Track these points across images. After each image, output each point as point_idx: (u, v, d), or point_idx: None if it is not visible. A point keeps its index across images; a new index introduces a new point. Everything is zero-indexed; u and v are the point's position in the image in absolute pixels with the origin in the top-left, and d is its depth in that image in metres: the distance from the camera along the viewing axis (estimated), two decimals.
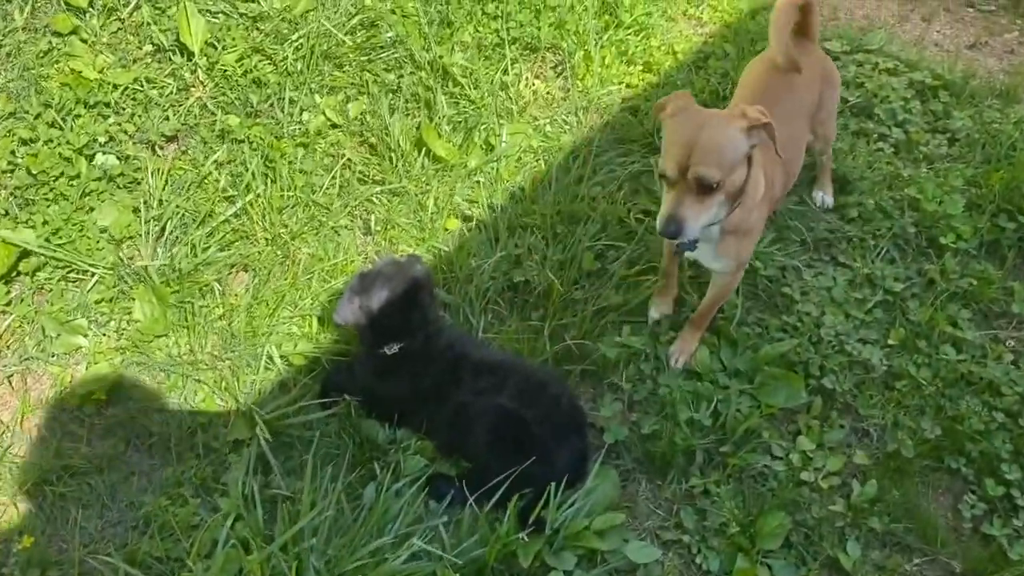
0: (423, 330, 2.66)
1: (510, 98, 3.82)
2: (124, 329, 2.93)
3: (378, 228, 3.31)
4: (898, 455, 2.76)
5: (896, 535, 2.62)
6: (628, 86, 3.98)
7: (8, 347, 2.90)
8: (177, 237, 3.17)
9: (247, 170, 3.38)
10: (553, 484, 2.47)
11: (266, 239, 3.22)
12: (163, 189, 3.29)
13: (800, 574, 2.52)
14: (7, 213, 3.20)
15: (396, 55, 3.90)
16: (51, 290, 3.03)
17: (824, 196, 3.49)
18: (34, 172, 3.31)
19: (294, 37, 3.88)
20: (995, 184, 3.40)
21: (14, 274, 3.05)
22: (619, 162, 3.57)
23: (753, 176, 2.48)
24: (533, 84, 3.95)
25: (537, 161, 3.62)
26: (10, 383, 2.84)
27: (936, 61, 4.12)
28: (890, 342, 3.04)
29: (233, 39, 3.88)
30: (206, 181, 3.40)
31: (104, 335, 2.93)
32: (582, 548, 2.49)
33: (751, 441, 2.78)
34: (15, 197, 3.26)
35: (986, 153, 3.62)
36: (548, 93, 3.95)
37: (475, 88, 3.79)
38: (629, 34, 4.13)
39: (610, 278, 3.14)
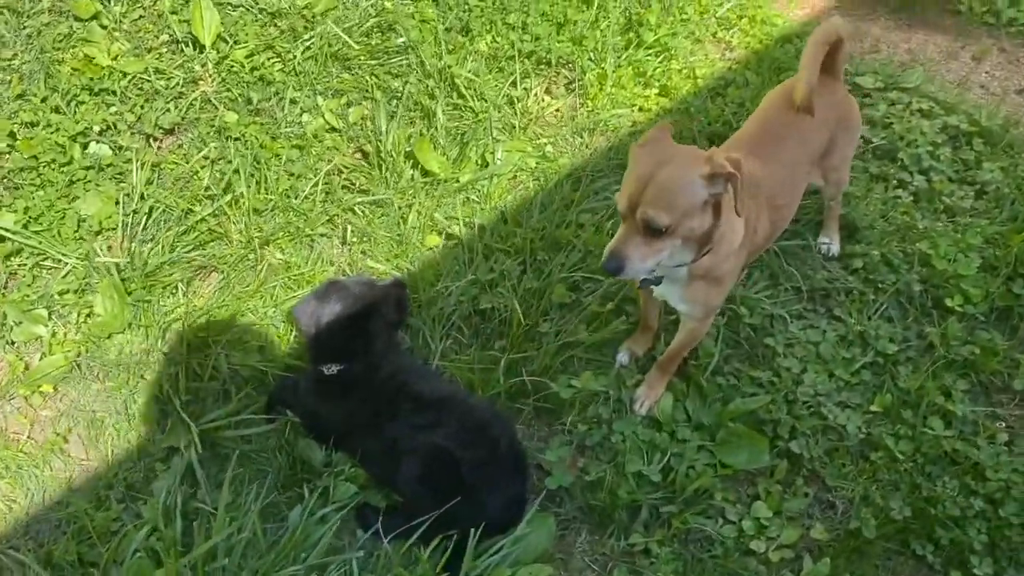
0: (365, 356, 2.58)
1: (516, 112, 3.71)
2: (83, 323, 2.93)
3: (354, 239, 3.24)
4: (859, 534, 2.56)
5: None
6: (640, 109, 3.83)
7: None
8: (153, 233, 3.16)
9: (233, 169, 3.34)
10: (474, 530, 2.36)
11: (240, 241, 3.18)
12: (148, 183, 3.28)
13: None
14: None
15: (406, 61, 3.83)
16: (23, 276, 3.05)
17: (830, 244, 3.28)
18: (27, 156, 3.34)
19: (306, 36, 3.85)
20: (1015, 246, 3.14)
21: None
22: (615, 189, 3.42)
23: (725, 223, 2.32)
24: (543, 100, 3.83)
25: (532, 181, 3.50)
26: None
27: (977, 105, 3.84)
28: (873, 408, 2.83)
29: (246, 34, 3.87)
30: (195, 177, 3.39)
31: (63, 327, 2.93)
32: None
33: (702, 502, 2.62)
34: (5, 180, 3.30)
35: (1014, 210, 3.35)
36: (557, 111, 3.83)
37: (479, 100, 3.69)
38: (649, 55, 3.96)
39: (582, 311, 3.00)
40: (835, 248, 3.28)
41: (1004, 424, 2.82)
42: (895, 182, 3.48)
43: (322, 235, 3.28)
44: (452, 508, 2.36)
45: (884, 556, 2.57)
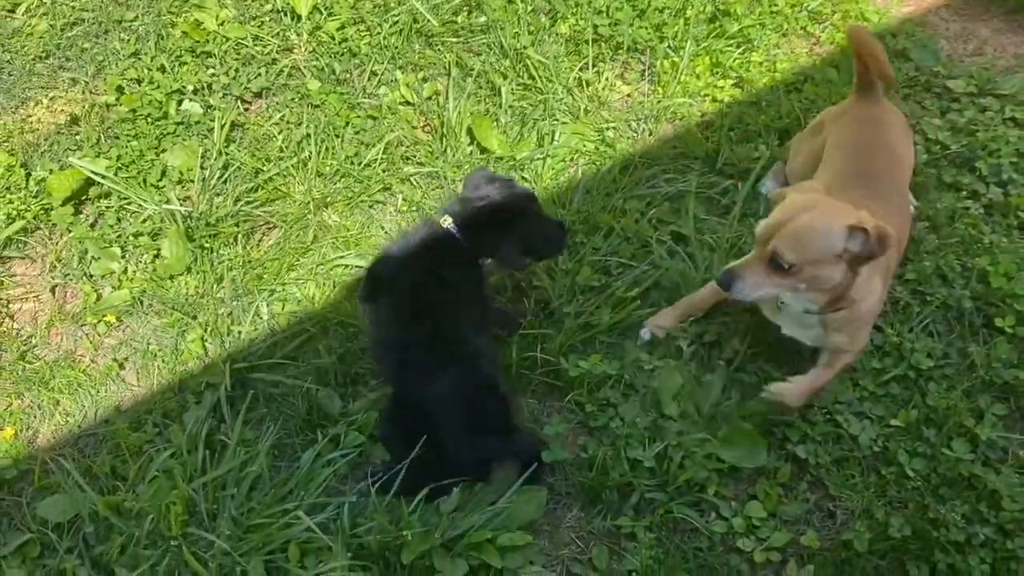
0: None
1: (584, 96, 3.75)
2: (151, 263, 3.22)
3: (404, 207, 3.40)
4: (850, 546, 2.50)
5: None
6: (713, 99, 3.78)
7: (60, 261, 3.28)
8: (224, 188, 3.42)
9: (306, 133, 3.56)
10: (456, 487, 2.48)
11: (302, 202, 3.39)
12: (229, 141, 3.55)
13: None
14: (97, 142, 3.59)
15: (485, 40, 3.95)
16: (108, 217, 3.37)
17: None
18: (128, 110, 3.68)
19: (396, 11, 4.03)
20: None
21: (84, 198, 3.43)
22: (667, 178, 3.43)
23: (864, 285, 2.46)
24: (614, 84, 3.85)
25: (587, 165, 3.54)
26: (52, 292, 3.22)
27: None
28: (894, 423, 2.74)
29: (340, 7, 4.09)
30: (272, 139, 3.63)
31: (134, 265, 3.23)
32: (478, 560, 2.48)
33: (694, 494, 2.62)
34: (109, 130, 3.65)
35: None
36: (628, 96, 3.84)
37: (550, 82, 3.76)
38: (730, 45, 3.90)
39: (608, 296, 3.04)
40: None
41: None
42: (967, 192, 3.30)
43: (378, 202, 3.45)
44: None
45: (874, 573, 2.49)
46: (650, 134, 3.66)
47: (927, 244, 3.15)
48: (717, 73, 3.85)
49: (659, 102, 3.74)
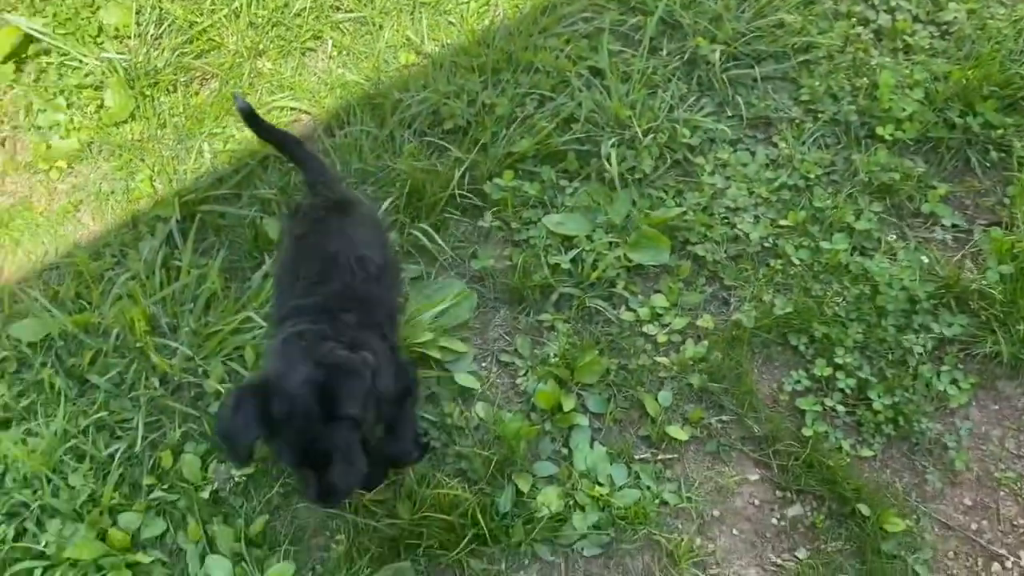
0: None
1: None
2: (95, 113, 3.39)
3: (334, 53, 3.58)
4: (740, 324, 2.86)
5: (712, 393, 2.77)
6: None
7: (6, 115, 3.43)
8: (161, 41, 3.55)
9: None
10: None
11: (235, 51, 3.55)
12: None
13: (608, 409, 2.73)
14: (32, 2, 3.68)
15: None
16: (51, 73, 3.50)
17: None
18: None
19: None
20: (956, 80, 3.24)
21: (24, 56, 3.54)
22: (583, 16, 3.61)
23: None
24: None
25: (510, 6, 3.70)
26: (2, 144, 3.38)
27: None
28: (783, 223, 3.07)
29: None
30: None
31: (80, 115, 3.39)
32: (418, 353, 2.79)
33: (606, 289, 2.95)
34: None
35: (972, 50, 3.41)
36: None
37: None
38: None
39: (531, 128, 3.28)
40: None
41: (911, 244, 3.01)
42: (858, 19, 3.57)
43: (309, 49, 3.62)
44: None
45: (761, 345, 2.87)
46: None
47: (820, 69, 3.42)
48: None
49: None
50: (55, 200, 3.26)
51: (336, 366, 1.99)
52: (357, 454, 2.03)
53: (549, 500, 2.53)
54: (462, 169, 3.14)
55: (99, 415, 2.67)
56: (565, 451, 2.68)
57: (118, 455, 2.61)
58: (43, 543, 2.42)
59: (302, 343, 2.09)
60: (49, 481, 2.54)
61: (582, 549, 2.51)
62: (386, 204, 3.08)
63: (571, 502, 2.56)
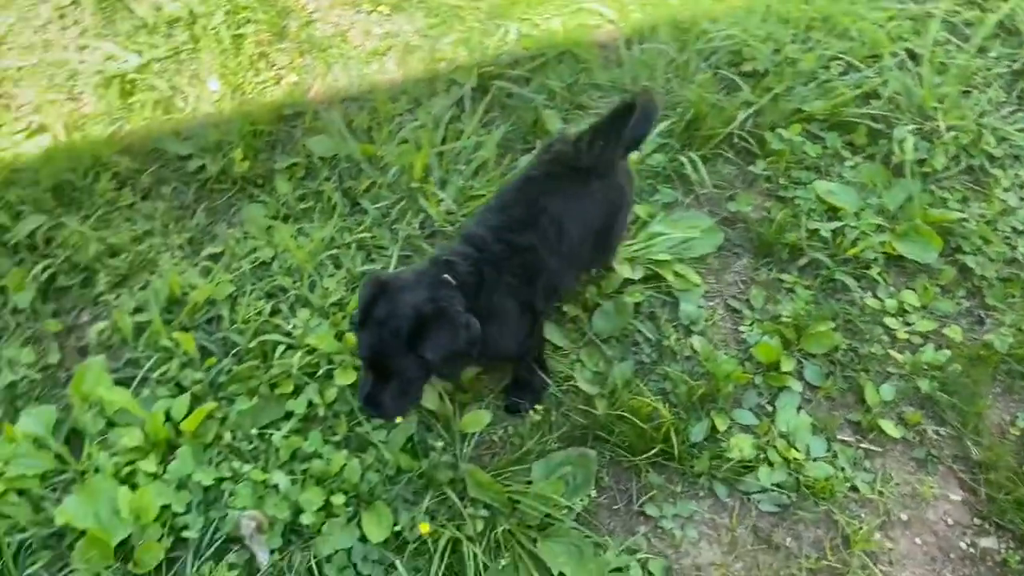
0: None
1: None
2: None
3: None
4: (991, 346, 2.72)
5: (937, 403, 2.66)
6: None
7: None
8: None
9: None
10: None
11: None
12: None
13: (824, 383, 2.69)
14: None
15: None
16: None
17: None
18: None
19: None
20: None
21: None
22: None
23: None
24: None
25: None
26: None
27: None
28: None
29: None
30: None
31: None
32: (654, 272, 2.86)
33: (859, 269, 2.88)
34: None
35: None
36: None
37: None
38: None
39: (828, 91, 3.20)
40: None
41: None
42: None
43: None
44: None
45: (1006, 374, 2.71)
46: None
47: None
48: None
49: None
50: (369, 41, 3.55)
51: (442, 313, 2.09)
52: (416, 388, 2.23)
53: (742, 446, 2.55)
54: (748, 112, 3.12)
55: (362, 235, 2.93)
56: (769, 408, 2.67)
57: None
58: (291, 325, 2.71)
59: (442, 274, 2.18)
60: (308, 277, 2.83)
61: (759, 502, 2.52)
62: (662, 126, 3.13)
63: (762, 455, 2.57)
